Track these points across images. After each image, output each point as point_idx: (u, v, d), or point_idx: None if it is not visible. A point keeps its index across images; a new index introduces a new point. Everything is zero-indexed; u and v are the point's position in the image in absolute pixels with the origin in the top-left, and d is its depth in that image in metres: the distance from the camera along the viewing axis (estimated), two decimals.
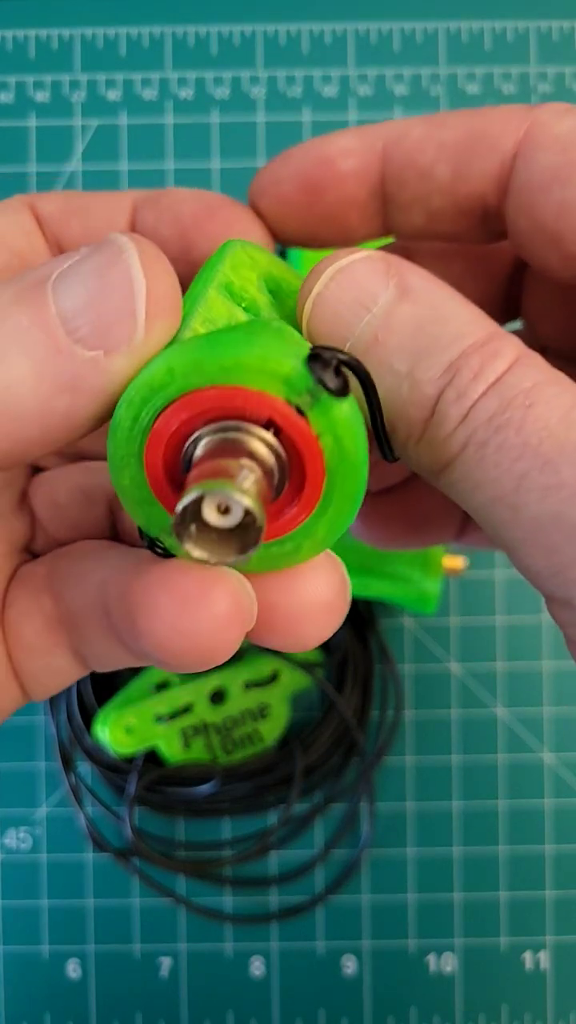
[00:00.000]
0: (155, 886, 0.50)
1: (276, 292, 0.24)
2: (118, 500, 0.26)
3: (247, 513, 0.17)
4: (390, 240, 0.28)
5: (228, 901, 0.50)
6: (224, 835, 0.51)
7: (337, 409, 0.18)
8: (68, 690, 0.49)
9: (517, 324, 0.31)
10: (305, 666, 0.49)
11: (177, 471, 0.19)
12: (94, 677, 0.50)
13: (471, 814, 0.51)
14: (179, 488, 0.19)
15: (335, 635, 0.49)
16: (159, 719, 0.49)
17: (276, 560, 0.20)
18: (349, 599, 0.21)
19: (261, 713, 0.50)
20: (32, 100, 0.51)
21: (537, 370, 0.19)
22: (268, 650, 0.50)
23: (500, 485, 0.19)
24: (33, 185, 0.51)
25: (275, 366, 0.18)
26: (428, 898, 0.50)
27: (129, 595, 0.20)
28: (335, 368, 0.18)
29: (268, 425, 0.18)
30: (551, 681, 0.51)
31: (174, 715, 0.49)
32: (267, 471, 0.18)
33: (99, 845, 0.50)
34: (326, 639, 0.21)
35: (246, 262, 0.24)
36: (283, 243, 0.28)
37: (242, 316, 0.21)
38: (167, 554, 0.20)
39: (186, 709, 0.49)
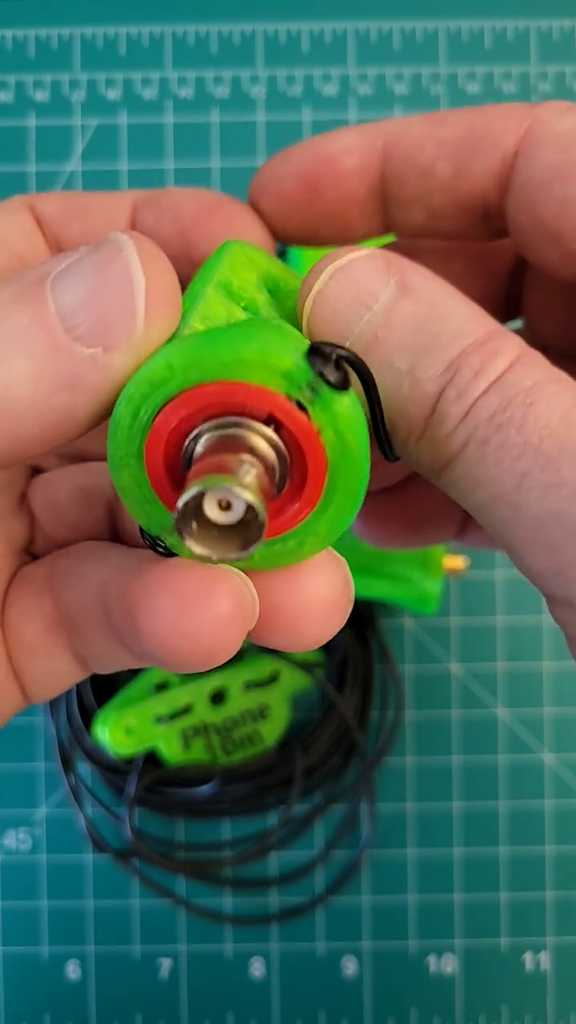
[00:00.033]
0: (155, 887, 0.50)
1: (275, 292, 0.24)
2: (118, 500, 0.26)
3: (249, 508, 0.17)
4: (391, 238, 0.28)
5: (228, 902, 0.50)
6: (224, 836, 0.51)
7: (338, 403, 0.18)
8: (68, 691, 0.49)
9: (518, 323, 0.31)
10: (305, 667, 0.49)
11: (178, 469, 0.19)
12: (94, 678, 0.50)
13: (471, 815, 0.50)
14: (180, 486, 0.19)
15: (335, 635, 0.49)
16: (159, 720, 0.48)
17: (278, 558, 0.20)
18: (352, 598, 0.21)
19: (261, 714, 0.49)
20: (32, 99, 0.51)
21: (538, 368, 0.19)
22: (268, 650, 0.50)
23: (501, 483, 0.19)
24: (33, 185, 0.51)
25: (275, 361, 0.17)
26: (428, 899, 0.50)
27: (130, 595, 0.20)
28: (335, 362, 0.18)
29: (269, 421, 0.18)
30: (552, 682, 0.51)
31: (174, 716, 0.49)
32: (268, 467, 0.18)
33: (99, 846, 0.50)
34: (329, 639, 0.21)
35: (244, 262, 0.24)
36: (283, 241, 0.28)
37: (241, 315, 0.21)
38: (169, 553, 0.20)
39: (186, 710, 0.49)
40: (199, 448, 0.18)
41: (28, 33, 0.51)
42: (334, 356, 0.18)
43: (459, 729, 0.51)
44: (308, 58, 0.52)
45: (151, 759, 0.49)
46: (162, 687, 0.49)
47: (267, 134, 0.51)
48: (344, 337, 0.20)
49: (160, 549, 0.20)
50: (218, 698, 0.49)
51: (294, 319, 0.21)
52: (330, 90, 0.51)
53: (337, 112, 0.51)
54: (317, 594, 0.20)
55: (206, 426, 0.18)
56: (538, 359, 0.19)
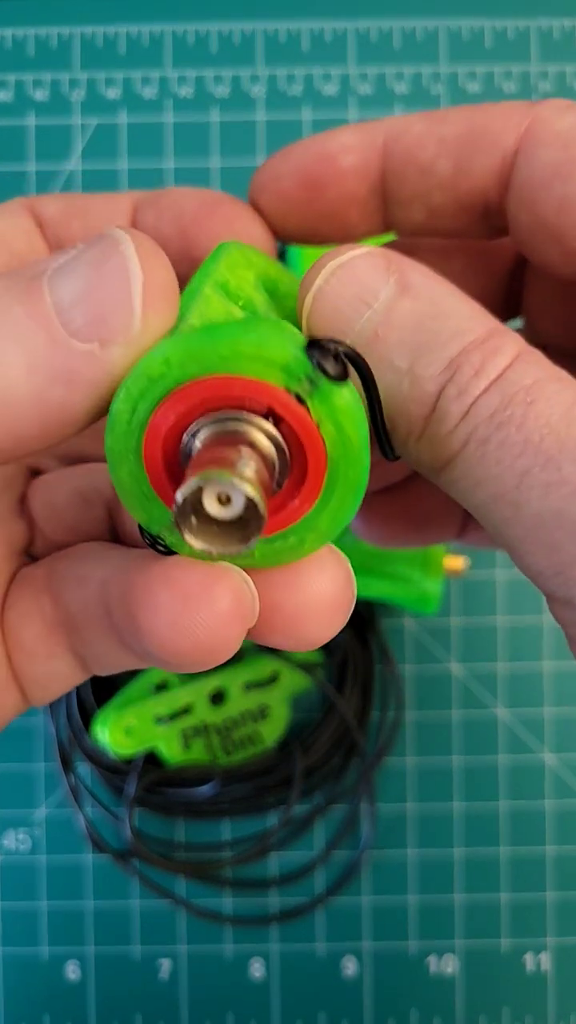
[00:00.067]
0: (155, 888, 0.50)
1: (273, 293, 0.24)
2: (117, 501, 0.26)
3: (248, 501, 0.17)
4: (391, 237, 0.28)
5: (228, 903, 0.50)
6: (224, 836, 0.51)
7: (337, 396, 0.18)
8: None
9: (518, 323, 0.31)
10: (305, 667, 0.49)
11: (177, 465, 0.19)
12: (94, 678, 0.50)
13: (472, 815, 0.50)
14: (179, 482, 0.19)
15: (336, 635, 0.49)
16: (159, 720, 0.48)
17: (279, 555, 0.20)
18: (354, 597, 0.21)
19: (261, 714, 0.49)
20: (31, 99, 0.51)
21: (538, 367, 0.19)
22: (268, 651, 0.49)
23: (501, 482, 0.19)
24: (32, 184, 0.51)
25: (273, 353, 0.17)
26: (429, 899, 0.50)
27: (130, 593, 0.20)
28: (334, 355, 0.18)
29: (268, 415, 0.18)
30: (552, 682, 0.50)
31: (174, 716, 0.49)
32: (268, 462, 0.18)
33: (98, 846, 0.49)
34: (331, 638, 0.21)
35: (242, 263, 0.24)
36: (283, 240, 0.28)
37: (239, 313, 0.21)
38: (169, 552, 0.20)
39: (186, 710, 0.49)
40: (198, 443, 0.18)
41: (28, 32, 0.51)
42: (333, 349, 0.18)
43: (459, 729, 0.51)
44: (308, 57, 0.51)
45: (151, 759, 0.49)
46: (162, 687, 0.49)
47: (267, 133, 0.51)
48: (344, 335, 0.20)
49: (160, 547, 0.20)
50: (218, 698, 0.49)
51: (293, 320, 0.21)
52: (330, 89, 0.51)
53: (337, 111, 0.51)
54: (319, 592, 0.20)
55: (205, 421, 0.18)
56: (538, 357, 0.19)
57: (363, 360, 0.19)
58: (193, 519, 0.17)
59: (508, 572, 0.51)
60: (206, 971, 0.50)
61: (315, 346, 0.18)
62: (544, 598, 0.21)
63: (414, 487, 0.34)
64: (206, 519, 0.17)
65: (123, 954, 0.50)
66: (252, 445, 0.18)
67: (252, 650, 0.50)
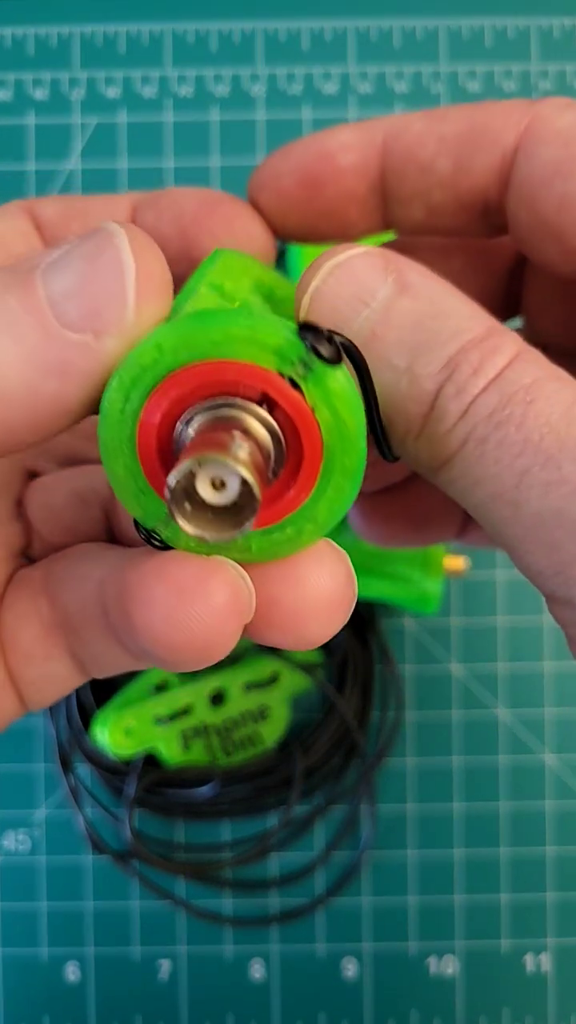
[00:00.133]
0: (154, 888, 0.49)
1: (269, 298, 0.24)
2: (114, 502, 0.26)
3: (243, 484, 0.17)
4: (391, 236, 0.28)
5: (228, 903, 0.50)
6: (224, 837, 0.51)
7: (332, 379, 0.18)
8: None
9: (518, 323, 0.31)
10: (305, 667, 0.49)
11: (171, 456, 0.18)
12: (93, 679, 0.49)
13: (472, 816, 0.50)
14: None
15: (335, 636, 0.49)
16: (158, 721, 0.48)
17: (276, 547, 0.20)
18: (355, 594, 0.21)
19: (261, 715, 0.49)
20: (31, 98, 0.51)
21: (537, 366, 0.19)
22: (268, 651, 0.49)
23: (500, 481, 0.19)
24: (32, 183, 0.51)
25: (265, 336, 0.17)
26: (429, 900, 0.50)
27: (124, 588, 0.20)
28: (327, 337, 0.17)
29: (262, 401, 0.18)
30: (552, 682, 0.50)
31: (173, 717, 0.49)
32: (263, 448, 0.18)
33: (98, 847, 0.49)
34: (330, 636, 0.20)
35: (238, 268, 0.24)
36: (283, 238, 0.28)
37: None
38: (164, 547, 0.20)
39: (186, 711, 0.49)
40: (191, 432, 0.18)
41: (27, 31, 0.51)
42: (326, 332, 0.17)
43: (460, 730, 0.51)
44: (308, 56, 0.51)
45: (150, 760, 0.49)
46: (162, 688, 0.49)
47: (267, 133, 0.51)
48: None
49: (156, 542, 0.20)
50: (218, 699, 0.49)
51: None
52: (330, 88, 0.51)
53: (337, 111, 0.51)
54: (318, 588, 0.20)
55: (198, 408, 0.18)
56: (537, 356, 0.19)
57: (358, 352, 0.18)
58: (187, 505, 0.17)
59: (508, 572, 0.51)
60: (206, 972, 0.50)
61: (308, 329, 0.17)
62: (544, 598, 0.21)
63: (414, 487, 0.33)
64: (200, 506, 0.17)
65: (123, 955, 0.50)
66: (246, 431, 0.17)
67: (252, 650, 0.50)
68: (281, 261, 0.49)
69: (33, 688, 0.24)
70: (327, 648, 0.50)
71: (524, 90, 0.52)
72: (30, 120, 0.51)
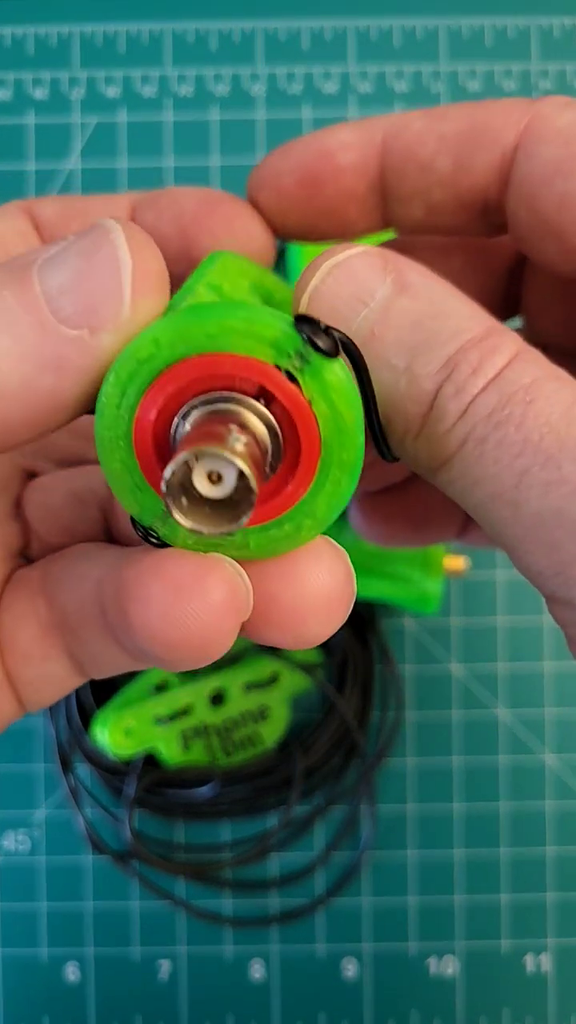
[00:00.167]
0: (154, 889, 0.49)
1: (267, 300, 0.24)
2: (112, 502, 0.26)
3: (240, 476, 0.17)
4: (391, 235, 0.28)
5: (228, 904, 0.50)
6: (224, 838, 0.51)
7: (329, 372, 0.17)
8: None
9: (518, 323, 0.31)
10: (305, 667, 0.49)
11: (168, 452, 0.18)
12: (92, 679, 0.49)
13: (472, 816, 0.50)
14: None
15: (335, 636, 0.49)
16: (158, 721, 0.48)
17: (275, 543, 0.19)
18: (355, 591, 0.21)
19: (261, 715, 0.49)
20: (31, 97, 0.51)
21: (537, 365, 0.19)
22: (268, 651, 0.49)
23: (500, 482, 0.19)
24: (32, 183, 0.51)
25: (261, 329, 0.17)
26: (429, 900, 0.50)
27: (121, 586, 0.20)
28: (324, 329, 0.17)
29: (259, 396, 0.18)
30: (553, 682, 0.50)
31: (173, 717, 0.49)
32: (260, 443, 0.18)
33: (98, 848, 0.49)
34: (330, 635, 0.20)
35: (236, 270, 0.24)
36: (282, 237, 0.28)
37: None
38: (162, 544, 0.20)
39: (185, 711, 0.49)
40: (187, 426, 0.18)
41: (27, 31, 0.51)
42: (323, 324, 0.17)
43: (460, 730, 0.50)
44: (308, 56, 0.51)
45: (150, 760, 0.49)
46: (161, 688, 0.49)
47: (267, 132, 0.51)
48: None
49: (153, 539, 0.20)
50: (218, 699, 0.49)
51: None
52: (330, 88, 0.51)
53: (337, 110, 0.51)
54: (317, 585, 0.20)
55: (195, 402, 0.18)
56: (536, 356, 0.19)
57: (356, 348, 0.18)
58: (183, 499, 0.17)
59: (508, 572, 0.50)
60: (206, 972, 0.50)
61: (305, 321, 0.17)
62: (544, 598, 0.21)
63: (414, 487, 0.33)
64: (197, 500, 0.17)
65: (123, 955, 0.50)
66: (243, 425, 0.17)
67: (252, 650, 0.50)
68: (280, 260, 0.49)
69: (31, 689, 0.24)
70: (327, 648, 0.50)
71: (524, 89, 0.52)
72: (30, 120, 0.51)
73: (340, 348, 0.18)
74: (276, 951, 0.50)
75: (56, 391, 0.18)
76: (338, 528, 0.36)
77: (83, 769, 0.50)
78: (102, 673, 0.24)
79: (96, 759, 0.49)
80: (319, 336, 0.17)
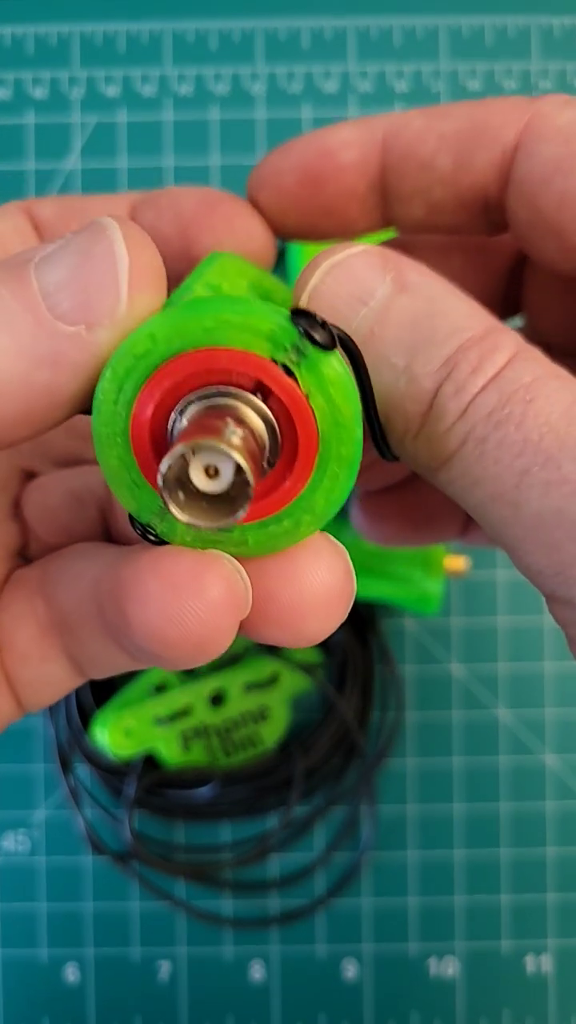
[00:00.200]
0: (154, 890, 0.49)
1: (266, 301, 0.24)
2: (110, 502, 0.26)
3: (237, 470, 0.16)
4: (391, 234, 0.28)
5: (228, 905, 0.50)
6: (224, 838, 0.51)
7: (326, 365, 0.17)
8: None
9: (519, 322, 0.30)
10: (305, 668, 0.49)
11: (165, 447, 0.18)
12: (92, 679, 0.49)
13: (473, 817, 0.50)
14: None
15: (335, 636, 0.49)
16: (158, 721, 0.48)
17: (274, 540, 0.19)
18: (354, 589, 0.20)
19: (261, 715, 0.49)
20: (30, 97, 0.51)
21: (537, 364, 0.19)
22: (268, 651, 0.49)
23: (500, 481, 0.19)
24: (32, 182, 0.51)
25: (257, 323, 0.17)
26: (429, 901, 0.50)
27: (118, 584, 0.20)
28: (321, 323, 0.17)
29: (256, 391, 0.18)
30: (553, 683, 0.50)
31: (173, 717, 0.48)
32: (257, 437, 0.18)
33: (98, 848, 0.49)
34: (329, 632, 0.20)
35: (235, 270, 0.24)
36: (283, 236, 0.28)
37: None
38: (160, 541, 0.20)
39: (185, 711, 0.49)
40: (185, 422, 0.18)
41: (27, 30, 0.51)
42: (319, 318, 0.17)
43: (460, 730, 0.50)
44: (308, 55, 0.51)
45: (150, 761, 0.49)
46: (161, 688, 0.49)
47: (267, 131, 0.51)
48: None
49: (151, 537, 0.20)
50: (218, 700, 0.49)
51: None
52: (330, 87, 0.51)
53: (337, 109, 0.51)
54: (316, 582, 0.20)
55: (192, 397, 0.18)
56: (536, 355, 0.19)
57: (354, 344, 0.18)
58: (180, 494, 0.17)
59: (509, 572, 0.50)
60: (206, 973, 0.50)
61: (301, 315, 0.17)
62: (544, 599, 0.21)
63: (416, 486, 0.33)
64: (194, 495, 0.17)
65: (122, 956, 0.50)
66: (240, 420, 0.17)
67: (252, 651, 0.50)
68: (280, 260, 0.48)
69: (30, 689, 0.24)
70: (327, 648, 0.50)
71: (524, 89, 0.52)
72: (29, 119, 0.51)
73: (337, 342, 0.18)
74: (276, 952, 0.50)
75: (53, 387, 0.18)
76: (338, 527, 0.36)
77: (83, 769, 0.50)
78: (101, 673, 0.23)
79: (96, 759, 0.49)
80: (315, 329, 0.17)
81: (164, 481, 0.17)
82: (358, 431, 0.18)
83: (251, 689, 0.49)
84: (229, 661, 0.50)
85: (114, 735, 0.47)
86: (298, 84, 0.51)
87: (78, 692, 0.49)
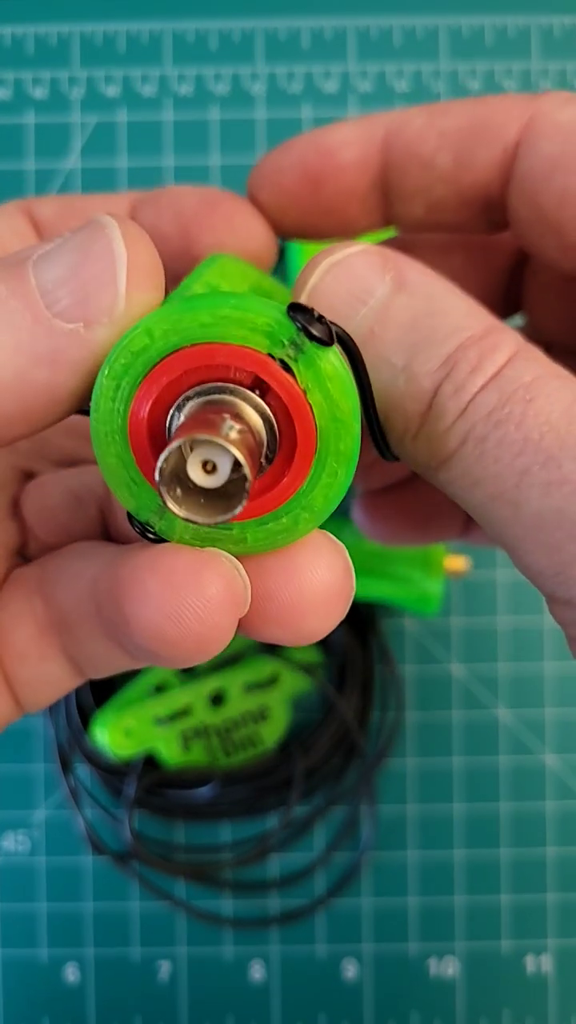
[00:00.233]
0: (154, 890, 0.49)
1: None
2: (109, 501, 0.26)
3: (234, 465, 0.16)
4: (391, 233, 0.28)
5: (228, 905, 0.50)
6: (224, 838, 0.51)
7: (324, 361, 0.17)
8: None
9: (519, 321, 0.30)
10: (305, 668, 0.49)
11: (164, 444, 0.18)
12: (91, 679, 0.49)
13: (473, 817, 0.50)
14: None
15: (335, 636, 0.49)
16: (158, 721, 0.48)
17: (272, 537, 0.19)
18: (353, 586, 0.20)
19: (261, 715, 0.49)
20: (30, 96, 0.51)
21: (537, 363, 0.19)
22: (268, 651, 0.49)
23: (500, 481, 0.19)
24: (31, 182, 0.51)
25: (255, 318, 0.17)
26: (429, 901, 0.50)
27: (116, 583, 0.19)
28: (318, 318, 0.17)
29: (254, 387, 0.18)
30: (553, 683, 0.50)
31: (173, 717, 0.48)
32: (255, 433, 0.18)
33: (98, 848, 0.49)
34: (329, 631, 0.20)
35: (235, 272, 0.24)
36: (283, 236, 0.28)
37: None
38: (159, 539, 0.19)
39: (185, 711, 0.49)
40: (182, 418, 0.18)
41: (27, 30, 0.51)
42: (317, 313, 0.17)
43: (460, 731, 0.50)
44: (308, 55, 0.51)
45: (150, 761, 0.49)
46: (161, 688, 0.49)
47: (267, 131, 0.51)
48: None
49: (150, 535, 0.19)
50: (218, 700, 0.49)
51: None
52: (330, 87, 0.51)
53: (337, 109, 0.51)
54: (315, 580, 0.20)
55: (190, 393, 0.18)
56: (536, 354, 0.19)
57: (353, 342, 0.18)
58: (178, 490, 0.17)
59: (509, 572, 0.50)
60: (206, 973, 0.50)
61: (298, 309, 0.17)
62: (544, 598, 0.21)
63: (417, 485, 0.33)
64: (192, 491, 0.17)
65: (122, 956, 0.50)
66: (238, 415, 0.17)
67: (251, 650, 0.50)
68: (280, 259, 0.48)
69: (29, 690, 0.24)
70: (327, 648, 0.50)
71: (524, 89, 0.52)
72: (29, 119, 0.51)
73: (335, 337, 0.18)
74: (276, 952, 0.50)
75: (51, 384, 0.18)
76: (339, 527, 0.36)
77: (83, 769, 0.50)
78: (100, 673, 0.23)
79: (96, 759, 0.49)
80: (313, 325, 0.17)
81: (161, 476, 0.17)
82: (356, 427, 0.18)
83: (251, 689, 0.49)
84: (229, 661, 0.50)
85: (114, 735, 0.47)
86: (298, 84, 0.51)
87: (78, 692, 0.49)
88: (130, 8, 0.51)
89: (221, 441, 0.16)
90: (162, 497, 0.17)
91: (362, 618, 0.50)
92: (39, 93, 0.51)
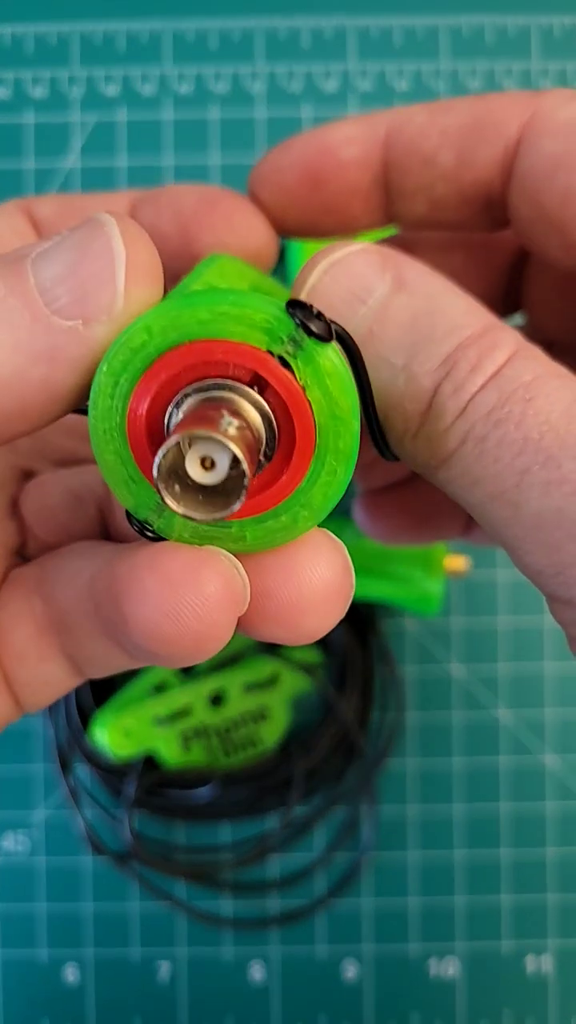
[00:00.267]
0: (154, 890, 0.49)
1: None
2: (109, 501, 0.26)
3: (233, 462, 0.16)
4: (391, 231, 0.28)
5: (228, 905, 0.50)
6: (224, 839, 0.50)
7: (323, 357, 0.17)
8: None
9: (519, 320, 0.30)
10: (305, 668, 0.49)
11: (162, 441, 0.18)
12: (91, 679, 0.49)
13: (473, 817, 0.50)
14: None
15: (335, 636, 0.49)
16: (158, 722, 0.48)
17: (272, 535, 0.19)
18: (353, 585, 0.20)
19: (261, 715, 0.49)
20: (30, 96, 0.51)
21: (537, 363, 0.19)
22: (268, 651, 0.49)
23: (500, 481, 0.19)
24: (31, 181, 0.51)
25: (253, 314, 0.17)
26: (429, 902, 0.50)
27: (115, 581, 0.19)
28: (317, 314, 0.17)
29: (253, 384, 0.18)
30: (554, 683, 0.50)
31: (173, 717, 0.48)
32: (254, 430, 0.17)
33: (97, 849, 0.49)
34: (328, 629, 0.20)
35: (234, 272, 0.24)
36: (284, 234, 0.28)
37: None
38: (158, 538, 0.19)
39: (185, 711, 0.49)
40: (181, 415, 0.18)
41: (27, 29, 0.51)
42: (315, 309, 0.17)
43: (460, 731, 0.50)
44: (308, 54, 0.51)
45: (150, 761, 0.49)
46: (161, 688, 0.49)
47: (267, 131, 0.51)
48: None
49: (148, 533, 0.19)
50: (217, 700, 0.49)
51: None
52: (330, 86, 0.51)
53: (337, 108, 0.51)
54: (315, 578, 0.19)
55: (188, 390, 0.18)
56: (536, 353, 0.19)
57: (352, 340, 0.18)
58: (176, 486, 0.17)
59: (510, 573, 0.50)
60: (206, 974, 0.50)
61: (297, 306, 0.17)
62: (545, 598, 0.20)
63: (418, 484, 0.33)
64: (190, 488, 0.17)
65: (122, 957, 0.50)
66: (236, 412, 0.17)
67: (251, 651, 0.50)
68: (281, 258, 0.48)
69: (28, 690, 0.23)
70: (327, 649, 0.50)
71: (525, 88, 0.51)
72: (29, 118, 0.51)
73: (333, 334, 0.17)
74: (276, 953, 0.50)
75: (50, 382, 0.18)
76: (339, 526, 0.36)
77: (82, 770, 0.50)
78: (99, 672, 0.23)
79: (95, 760, 0.49)
80: (312, 321, 0.17)
81: (159, 472, 0.17)
82: (355, 424, 0.18)
83: (251, 689, 0.49)
84: (229, 661, 0.50)
85: (114, 735, 0.47)
86: (298, 83, 0.51)
87: (78, 692, 0.49)
88: (130, 7, 0.51)
89: (219, 437, 0.16)
90: (160, 493, 0.17)
91: (362, 618, 0.50)
92: (39, 92, 0.51)
